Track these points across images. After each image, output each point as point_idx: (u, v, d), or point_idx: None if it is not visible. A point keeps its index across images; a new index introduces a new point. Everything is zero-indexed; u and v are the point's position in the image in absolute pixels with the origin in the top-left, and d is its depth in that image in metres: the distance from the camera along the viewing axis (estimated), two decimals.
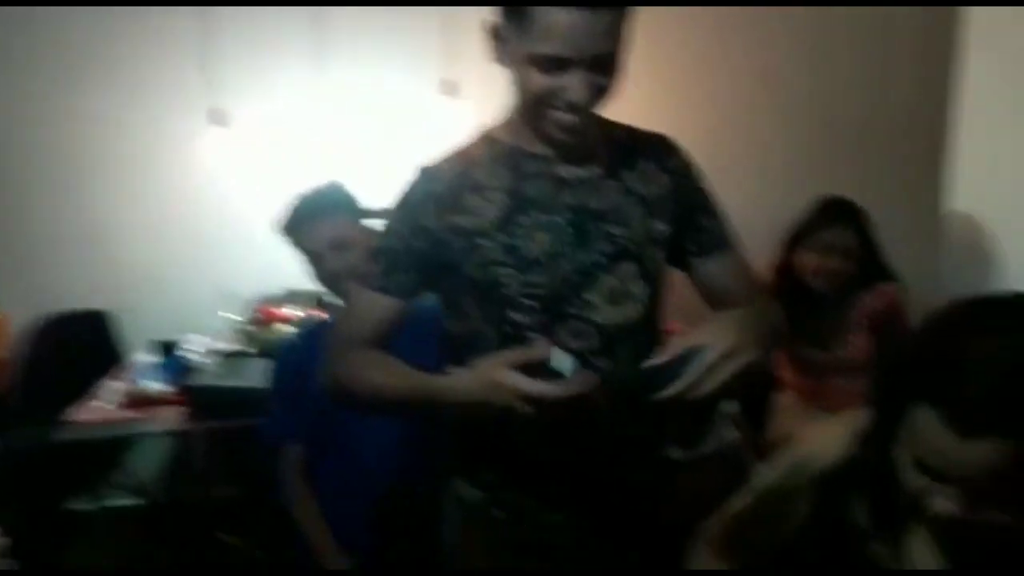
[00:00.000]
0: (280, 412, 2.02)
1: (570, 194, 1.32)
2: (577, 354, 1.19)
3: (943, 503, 0.90)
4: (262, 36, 2.96)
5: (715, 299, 1.43)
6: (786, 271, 2.42)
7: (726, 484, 2.02)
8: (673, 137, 1.43)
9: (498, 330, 1.32)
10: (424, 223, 1.32)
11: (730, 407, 2.26)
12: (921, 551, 1.00)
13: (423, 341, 1.44)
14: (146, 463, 3.24)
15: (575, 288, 1.30)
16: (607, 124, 1.37)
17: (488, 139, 1.36)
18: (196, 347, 2.77)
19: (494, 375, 1.15)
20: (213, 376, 2.50)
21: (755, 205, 3.15)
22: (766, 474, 1.26)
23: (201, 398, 2.41)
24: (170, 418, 2.46)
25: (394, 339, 1.37)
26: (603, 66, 1.21)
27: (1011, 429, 0.83)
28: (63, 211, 3.08)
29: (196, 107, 2.86)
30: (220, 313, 2.81)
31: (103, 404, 2.54)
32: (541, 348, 1.17)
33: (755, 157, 3.28)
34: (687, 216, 1.40)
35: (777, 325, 1.40)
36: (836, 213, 2.37)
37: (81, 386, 2.67)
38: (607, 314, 1.31)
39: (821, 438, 1.15)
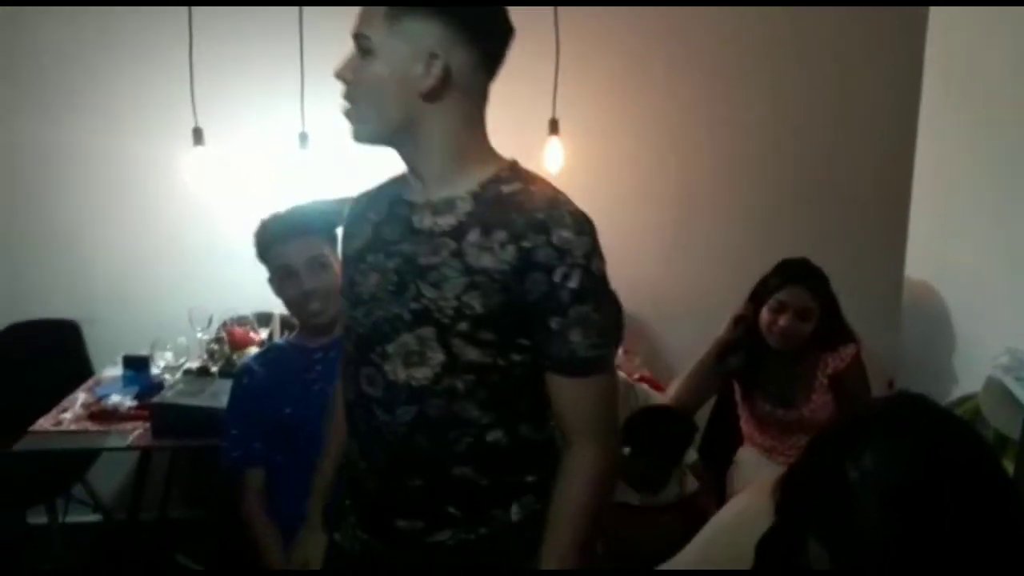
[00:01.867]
0: (238, 435, 2.03)
1: (410, 243, 1.28)
2: (365, 398, 1.32)
3: None
4: (246, 57, 3.00)
5: (558, 422, 1.32)
6: (749, 327, 2.47)
7: (684, 533, 2.06)
8: (576, 219, 1.22)
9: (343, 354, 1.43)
10: (342, 245, 1.44)
11: (691, 457, 2.29)
12: None
13: None
14: (107, 478, 3.24)
15: (380, 337, 1.29)
16: (501, 179, 1.27)
17: (396, 178, 1.39)
18: (163, 363, 2.77)
19: None
20: (178, 394, 2.48)
21: (720, 264, 3.27)
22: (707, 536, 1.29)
23: (165, 415, 2.39)
24: (134, 433, 2.43)
25: None
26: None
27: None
28: (37, 221, 3.09)
29: (179, 125, 2.88)
30: (192, 332, 2.80)
31: (69, 415, 2.52)
32: None
33: (721, 217, 3.34)
34: (532, 310, 1.23)
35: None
36: (793, 273, 2.43)
37: (48, 395, 2.65)
38: (398, 371, 1.28)
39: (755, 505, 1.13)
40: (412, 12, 1.19)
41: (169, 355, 2.76)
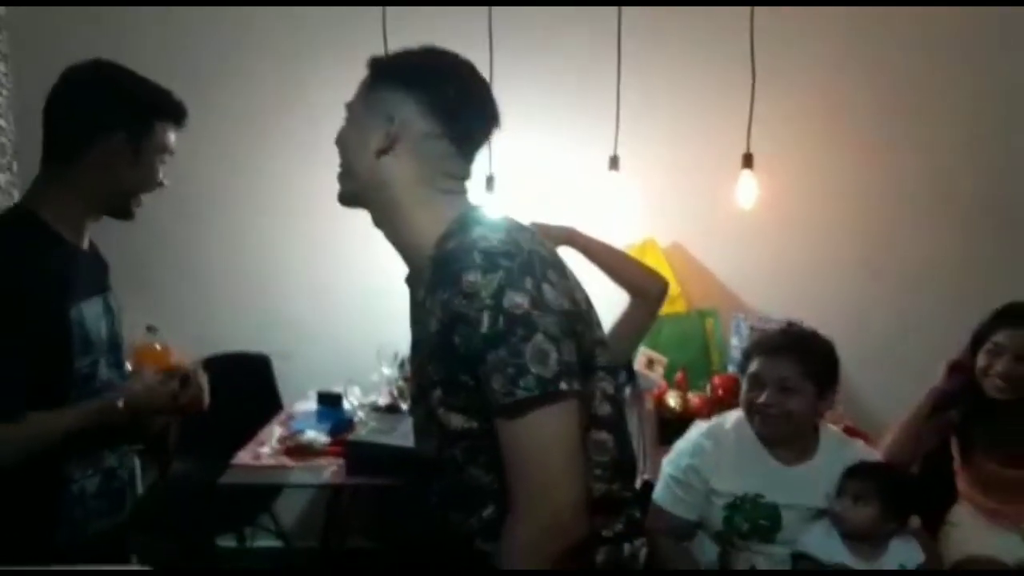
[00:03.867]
0: None
1: (412, 319, 1.31)
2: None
3: None
4: None
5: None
6: (969, 377, 2.28)
7: None
8: (485, 255, 1.13)
9: None
10: None
11: (915, 526, 2.11)
12: None
13: None
14: (292, 508, 3.34)
15: (412, 412, 1.35)
16: (448, 235, 1.23)
17: None
18: (353, 399, 2.82)
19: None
20: (371, 432, 2.52)
21: (927, 303, 3.08)
22: None
23: (360, 453, 2.42)
24: (328, 469, 2.49)
25: None
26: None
27: None
28: (232, 259, 3.24)
29: None
30: (379, 368, 2.86)
31: (266, 449, 2.60)
32: None
33: (927, 253, 3.16)
34: (467, 363, 1.15)
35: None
36: (1009, 315, 2.24)
37: (240, 425, 2.74)
38: (419, 445, 1.32)
39: None
40: (382, 81, 1.29)
41: (359, 391, 2.81)
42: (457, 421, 1.20)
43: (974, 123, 3.08)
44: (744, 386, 2.02)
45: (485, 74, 1.33)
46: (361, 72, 1.33)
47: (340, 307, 3.20)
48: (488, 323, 1.11)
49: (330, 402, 2.74)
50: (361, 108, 1.30)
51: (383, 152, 1.26)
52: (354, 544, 3.25)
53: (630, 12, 2.93)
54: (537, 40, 3.01)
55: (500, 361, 1.11)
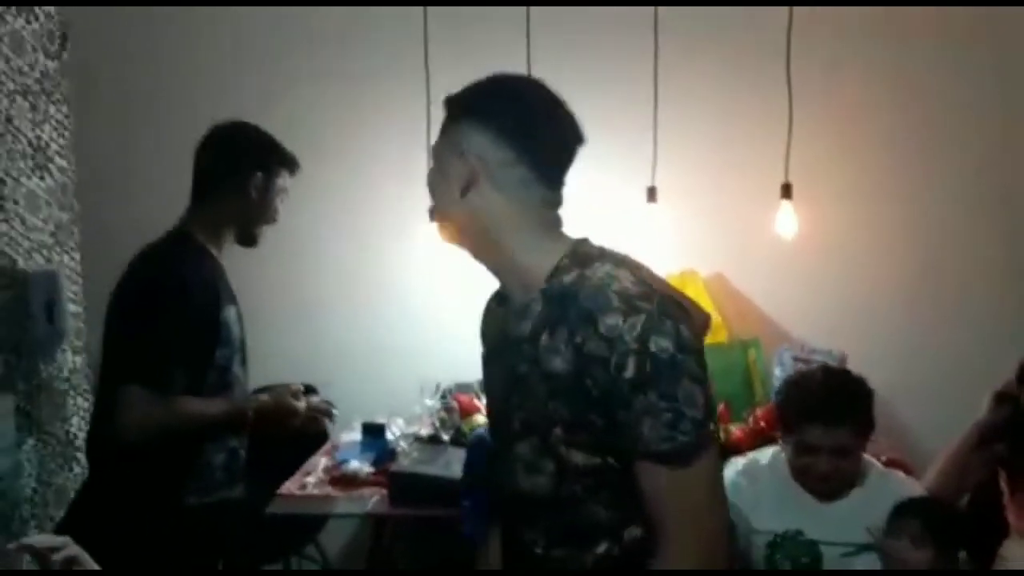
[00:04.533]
0: (473, 507, 2.07)
1: (509, 354, 1.28)
2: (507, 510, 1.37)
3: None
4: None
5: (649, 515, 1.19)
6: (1016, 408, 2.22)
7: None
8: (623, 297, 1.14)
9: None
10: None
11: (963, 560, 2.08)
12: None
13: None
14: (337, 538, 3.35)
15: (505, 445, 1.31)
16: (563, 269, 1.23)
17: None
18: (397, 430, 2.86)
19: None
20: (414, 462, 2.56)
21: (973, 332, 3.03)
22: None
23: (403, 484, 2.46)
24: (372, 500, 2.53)
25: None
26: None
27: None
28: (282, 291, 3.28)
29: (415, 203, 3.01)
30: (420, 399, 2.90)
31: (312, 479, 2.65)
32: None
33: (973, 282, 3.13)
34: (602, 404, 1.15)
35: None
36: None
37: (289, 456, 2.79)
38: (523, 480, 1.27)
39: None
40: (455, 118, 1.29)
41: (401, 422, 2.85)
42: (582, 458, 1.20)
43: (1017, 151, 3.05)
44: (792, 451, 1.98)
45: None
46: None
47: (383, 338, 3.25)
48: (634, 368, 1.11)
49: (374, 432, 2.78)
50: (441, 147, 1.31)
51: (466, 189, 1.25)
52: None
53: (666, 40, 2.96)
54: (573, 72, 3.05)
55: (651, 406, 1.11)
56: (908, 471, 2.48)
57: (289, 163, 2.18)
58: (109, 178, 3.26)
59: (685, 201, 3.08)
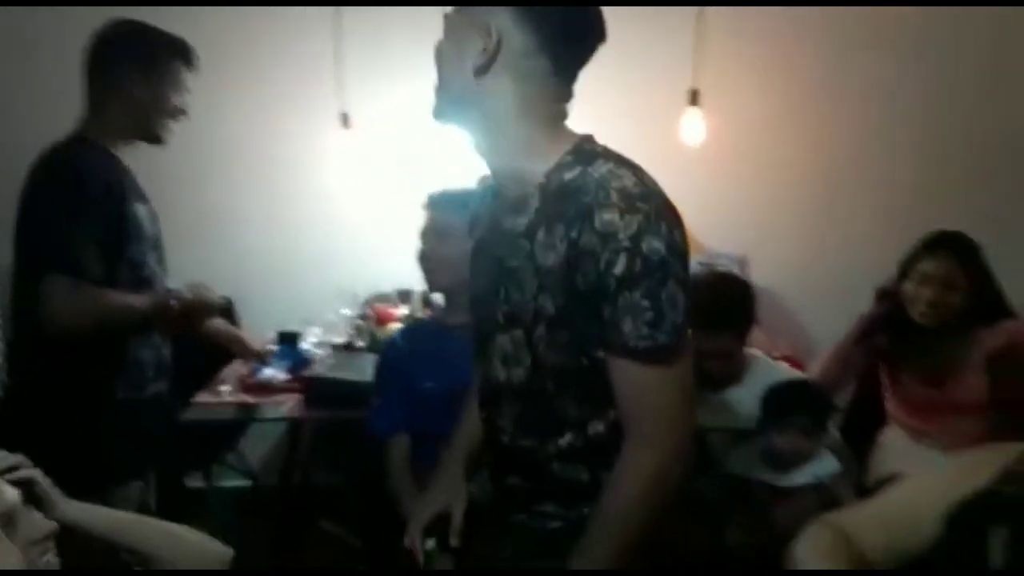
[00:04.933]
0: (384, 405, 2.15)
1: (499, 246, 1.29)
2: (481, 394, 1.41)
3: None
4: (391, 42, 3.09)
5: (618, 408, 1.23)
6: (896, 303, 2.37)
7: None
8: (622, 195, 1.13)
9: None
10: None
11: (832, 437, 2.23)
12: None
13: None
14: (256, 447, 3.42)
15: (483, 336, 1.34)
16: (565, 166, 1.21)
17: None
18: (313, 339, 2.90)
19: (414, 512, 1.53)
20: (329, 368, 2.60)
21: (868, 238, 3.16)
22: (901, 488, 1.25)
23: (318, 388, 2.51)
24: (287, 405, 2.57)
25: None
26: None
27: None
28: (192, 203, 3.22)
29: (326, 109, 3.00)
30: (338, 309, 2.93)
31: (227, 388, 2.67)
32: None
33: (870, 190, 3.26)
34: (588, 300, 1.17)
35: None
36: (937, 244, 2.31)
37: (206, 367, 2.81)
38: (499, 370, 1.31)
39: (963, 470, 1.13)
40: None
41: (318, 331, 2.89)
42: (557, 356, 1.22)
43: (933, 57, 3.15)
44: None
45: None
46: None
47: (299, 248, 3.26)
48: (624, 265, 1.12)
49: (288, 341, 2.80)
50: (459, 19, 1.24)
51: (482, 70, 1.20)
52: (319, 480, 3.35)
53: None
54: None
55: (634, 304, 1.13)
56: (798, 366, 2.64)
57: (181, 54, 2.09)
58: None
59: (592, 107, 3.10)
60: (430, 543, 1.42)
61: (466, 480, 1.54)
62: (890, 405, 2.51)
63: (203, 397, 2.62)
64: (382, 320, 2.87)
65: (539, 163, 1.22)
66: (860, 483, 2.30)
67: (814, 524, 1.24)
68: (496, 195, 1.35)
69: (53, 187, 1.95)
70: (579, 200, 1.15)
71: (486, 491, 1.47)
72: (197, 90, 3.08)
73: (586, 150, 1.23)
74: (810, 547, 1.20)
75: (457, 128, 1.29)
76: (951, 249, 2.29)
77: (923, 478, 1.29)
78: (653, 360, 1.16)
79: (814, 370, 2.51)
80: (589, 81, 3.12)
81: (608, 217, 1.12)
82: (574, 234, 1.14)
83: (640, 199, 1.13)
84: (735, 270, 2.87)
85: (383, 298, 2.97)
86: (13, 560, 1.13)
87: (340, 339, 2.90)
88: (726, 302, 2.09)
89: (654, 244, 1.12)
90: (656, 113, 3.11)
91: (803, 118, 3.20)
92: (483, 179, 1.51)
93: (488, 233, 1.36)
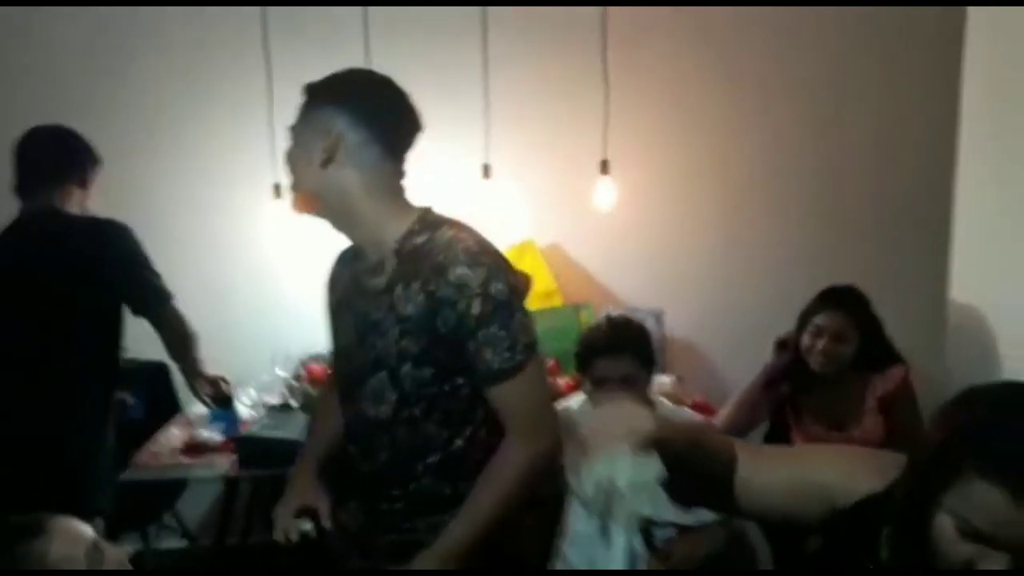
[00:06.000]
0: None
1: (361, 303, 1.54)
2: (352, 429, 1.61)
3: (994, 564, 0.94)
4: None
5: (503, 422, 1.49)
6: (796, 354, 2.54)
7: (724, 550, 2.15)
8: (468, 253, 1.41)
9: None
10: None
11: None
12: None
13: None
14: (193, 507, 3.44)
15: (354, 381, 1.57)
16: (413, 233, 1.49)
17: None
18: (248, 400, 2.97)
19: (280, 502, 1.73)
20: (263, 428, 2.68)
21: (772, 290, 3.33)
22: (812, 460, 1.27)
23: (251, 448, 2.58)
24: (222, 465, 2.64)
25: None
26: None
27: None
28: None
29: (260, 180, 3.11)
30: (272, 370, 3.00)
31: (164, 449, 2.73)
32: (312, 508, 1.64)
33: (771, 246, 3.48)
34: (452, 340, 1.43)
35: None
36: (829, 299, 2.50)
37: (147, 429, 2.87)
38: (369, 408, 1.54)
39: (852, 472, 1.17)
40: (317, 101, 1.49)
41: (252, 392, 2.95)
42: (423, 389, 1.47)
43: (819, 112, 3.40)
44: (591, 388, 2.20)
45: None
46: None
47: (233, 312, 3.32)
48: (479, 308, 1.40)
49: (222, 403, 2.85)
50: (301, 127, 1.50)
51: (326, 163, 1.46)
52: (257, 539, 3.37)
53: (495, 35, 3.16)
54: (410, 63, 3.20)
55: (493, 336, 1.41)
56: (711, 412, 2.79)
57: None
58: None
59: (522, 176, 3.30)
60: (306, 524, 1.57)
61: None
62: (798, 443, 2.66)
63: (141, 458, 2.67)
64: (316, 380, 2.94)
65: (390, 232, 1.49)
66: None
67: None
68: (354, 259, 1.59)
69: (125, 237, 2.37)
70: (432, 259, 1.42)
71: (357, 520, 1.66)
72: (134, 162, 3.22)
73: (430, 219, 1.52)
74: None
75: (314, 217, 1.53)
76: (842, 303, 2.48)
77: (821, 453, 1.41)
78: (515, 374, 1.43)
79: (722, 414, 2.67)
80: (515, 152, 3.28)
81: (460, 271, 1.40)
82: (431, 287, 1.41)
83: (482, 254, 1.43)
84: (651, 323, 3.02)
85: (317, 358, 3.05)
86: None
87: (274, 400, 2.95)
88: (622, 328, 2.25)
89: (499, 287, 1.41)
90: (571, 182, 3.32)
91: (706, 181, 3.42)
92: None
93: (349, 293, 1.58)
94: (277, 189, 3.08)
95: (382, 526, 1.59)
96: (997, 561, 0.94)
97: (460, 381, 1.48)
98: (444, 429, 1.51)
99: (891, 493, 1.10)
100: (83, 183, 2.40)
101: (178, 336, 2.47)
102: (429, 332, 1.43)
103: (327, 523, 1.56)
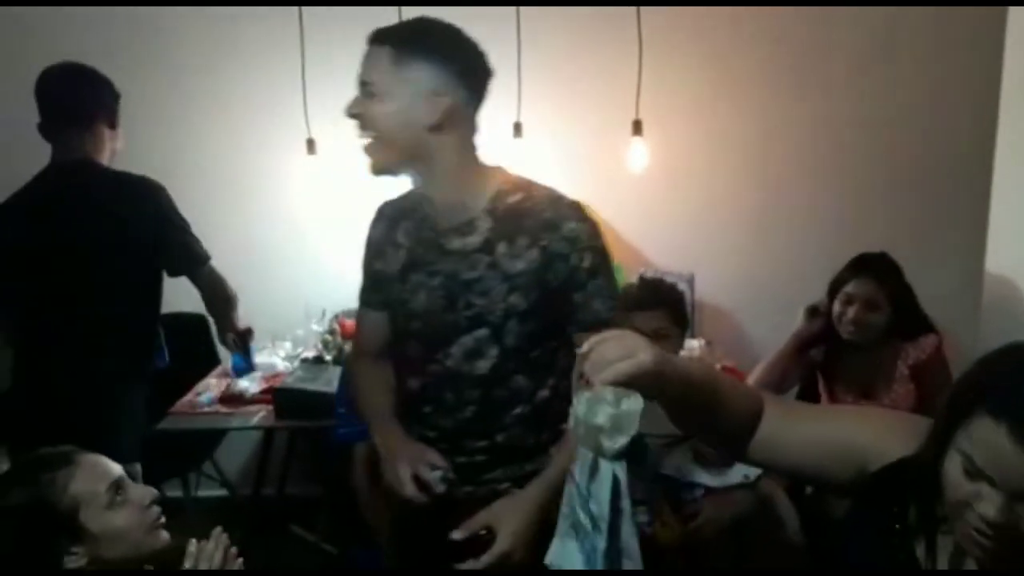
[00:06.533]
0: (347, 413, 2.27)
1: (447, 263, 1.51)
2: (434, 387, 1.56)
3: (988, 506, 0.96)
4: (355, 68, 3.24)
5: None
6: (828, 321, 2.53)
7: (751, 514, 2.17)
8: (574, 209, 1.47)
9: (396, 353, 1.64)
10: (370, 259, 1.64)
11: None
12: (953, 554, 1.06)
13: None
14: (232, 458, 3.55)
15: (440, 341, 1.53)
16: (505, 192, 1.49)
17: (417, 194, 1.58)
18: (283, 353, 3.04)
19: (395, 463, 1.53)
20: (297, 380, 2.74)
21: (804, 256, 3.30)
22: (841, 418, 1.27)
23: (286, 399, 2.65)
24: (258, 415, 2.71)
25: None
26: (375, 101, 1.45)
27: None
28: None
29: (294, 135, 3.14)
30: (307, 324, 3.07)
31: (203, 399, 2.81)
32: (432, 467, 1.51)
33: (804, 210, 3.43)
34: (561, 293, 1.47)
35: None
36: (860, 266, 2.49)
37: (184, 381, 2.96)
38: (460, 366, 1.52)
39: (885, 435, 1.15)
40: (414, 57, 1.40)
41: (288, 345, 3.03)
42: (523, 344, 1.49)
43: (859, 86, 3.31)
44: None
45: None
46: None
47: (268, 268, 3.36)
48: (590, 261, 1.46)
49: (243, 349, 2.86)
50: (393, 83, 1.41)
51: (437, 128, 1.42)
52: (295, 490, 3.46)
53: None
54: (447, 8, 3.19)
55: (600, 287, 1.46)
56: (740, 377, 2.79)
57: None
58: None
59: (549, 137, 3.28)
60: (437, 473, 1.51)
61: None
62: None
63: (180, 407, 2.76)
64: (348, 334, 3.00)
65: (480, 191, 1.49)
66: (791, 484, 2.45)
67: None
68: (420, 220, 1.56)
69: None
70: (539, 216, 1.45)
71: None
72: (170, 117, 3.27)
73: (515, 178, 1.53)
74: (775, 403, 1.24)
75: (393, 176, 1.50)
76: (872, 271, 2.46)
77: (855, 414, 1.39)
78: (611, 323, 1.43)
79: (750, 379, 2.67)
80: (547, 111, 3.25)
81: (572, 226, 1.45)
82: (544, 242, 1.44)
83: (583, 210, 1.49)
84: (682, 287, 3.02)
85: (350, 314, 3.10)
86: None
87: (310, 353, 3.03)
88: (657, 285, 2.34)
89: (602, 241, 1.49)
90: (603, 143, 3.28)
91: (739, 145, 3.37)
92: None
93: (423, 254, 1.55)
94: (311, 144, 3.11)
95: (460, 480, 1.56)
96: (993, 501, 0.95)
97: (558, 333, 1.50)
98: (532, 381, 1.53)
99: (921, 457, 1.08)
100: (112, 123, 2.34)
101: (219, 298, 2.49)
102: (540, 287, 1.46)
103: (452, 474, 1.53)
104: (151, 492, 1.48)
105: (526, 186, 1.51)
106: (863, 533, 1.15)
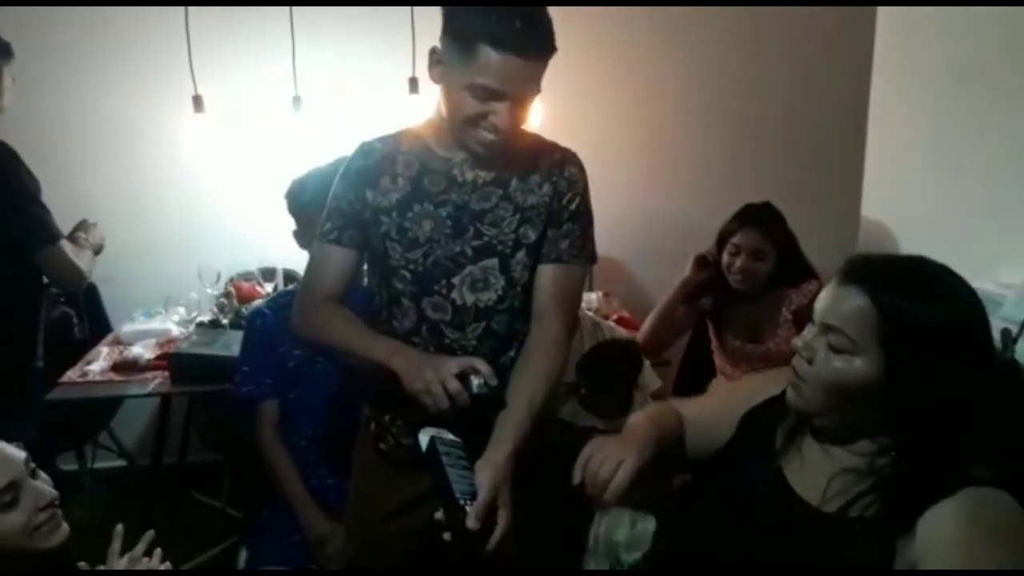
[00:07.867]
0: (250, 372, 2.24)
1: (457, 193, 1.55)
2: (432, 323, 1.57)
3: None
4: (239, 21, 3.17)
5: (535, 304, 1.59)
6: (717, 270, 2.63)
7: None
8: (575, 156, 1.60)
9: (384, 292, 1.62)
10: (355, 191, 1.59)
11: (653, 384, 2.47)
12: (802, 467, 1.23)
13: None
14: (129, 427, 3.46)
15: (443, 271, 1.56)
16: (517, 137, 1.54)
17: (412, 134, 1.61)
18: (176, 317, 2.97)
19: (438, 369, 1.42)
20: (193, 344, 2.68)
21: (695, 207, 3.37)
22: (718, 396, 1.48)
23: (182, 364, 2.58)
24: (154, 382, 2.63)
25: (353, 286, 1.65)
26: (525, 102, 1.46)
27: None
28: (48, 186, 3.25)
29: (180, 91, 3.03)
30: (202, 287, 2.99)
31: (94, 367, 2.72)
32: (471, 366, 1.44)
33: (694, 163, 3.54)
34: (553, 226, 1.57)
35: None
36: (745, 217, 2.58)
37: (73, 350, 2.85)
38: (465, 297, 1.56)
39: (757, 389, 1.38)
40: (546, 57, 1.45)
41: (182, 310, 2.95)
42: (524, 275, 1.57)
43: (732, 41, 3.43)
44: None
45: None
46: None
47: (160, 230, 3.29)
48: (575, 205, 1.58)
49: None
50: (533, 83, 1.45)
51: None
52: (196, 457, 3.43)
53: None
54: None
55: (573, 231, 1.57)
56: (635, 327, 2.88)
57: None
58: None
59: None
60: (477, 381, 1.43)
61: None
62: (717, 359, 2.77)
63: (70, 376, 2.66)
64: (245, 297, 2.95)
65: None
66: None
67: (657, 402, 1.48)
68: (420, 155, 1.58)
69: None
70: (551, 156, 1.57)
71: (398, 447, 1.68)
72: (53, 78, 3.11)
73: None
74: (644, 412, 1.44)
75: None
76: (758, 221, 2.55)
77: (732, 386, 1.57)
78: (579, 267, 1.60)
79: (643, 329, 2.75)
80: None
81: (574, 170, 1.58)
82: (555, 179, 1.55)
83: (579, 160, 1.61)
84: None
85: (246, 276, 3.05)
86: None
87: (205, 317, 2.96)
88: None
89: (588, 195, 1.61)
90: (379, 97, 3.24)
91: (627, 100, 3.45)
92: (340, 160, 1.67)
93: (430, 185, 1.56)
94: (197, 101, 3.00)
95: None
96: None
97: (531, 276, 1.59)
98: (524, 324, 1.60)
99: (783, 396, 1.25)
100: None
101: (65, 275, 2.46)
102: (543, 220, 1.55)
103: (494, 380, 1.45)
104: (49, 494, 1.39)
105: (529, 133, 1.60)
106: (742, 455, 1.33)
